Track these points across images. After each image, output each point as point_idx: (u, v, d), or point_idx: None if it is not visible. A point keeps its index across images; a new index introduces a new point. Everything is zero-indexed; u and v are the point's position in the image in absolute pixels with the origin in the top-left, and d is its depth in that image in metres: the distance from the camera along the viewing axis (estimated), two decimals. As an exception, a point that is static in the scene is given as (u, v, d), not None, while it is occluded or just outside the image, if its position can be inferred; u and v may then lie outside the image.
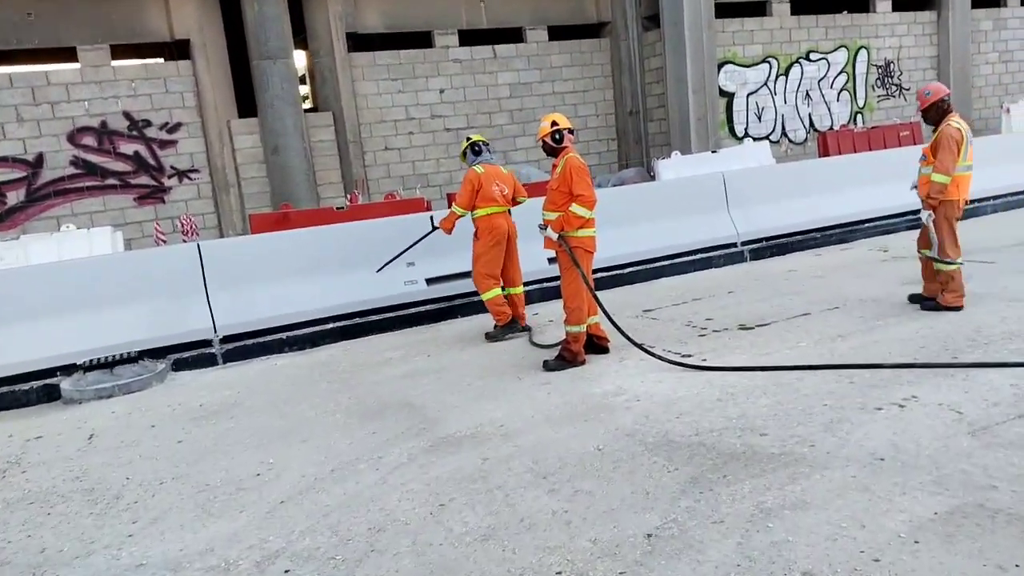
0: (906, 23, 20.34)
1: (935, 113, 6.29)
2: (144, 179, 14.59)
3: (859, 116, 19.83)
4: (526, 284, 8.20)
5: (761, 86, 18.76)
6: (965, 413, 4.16)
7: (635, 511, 3.50)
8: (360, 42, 16.45)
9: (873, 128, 15.98)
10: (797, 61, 19.08)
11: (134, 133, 14.45)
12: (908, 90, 20.25)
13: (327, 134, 15.78)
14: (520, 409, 5.07)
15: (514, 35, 17.83)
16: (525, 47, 17.80)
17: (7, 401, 6.53)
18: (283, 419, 5.48)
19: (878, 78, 20.15)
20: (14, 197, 13.78)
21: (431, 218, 7.74)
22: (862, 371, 4.98)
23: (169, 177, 14.79)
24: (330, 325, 7.75)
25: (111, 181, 14.33)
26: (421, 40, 17.00)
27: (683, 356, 5.80)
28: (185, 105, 14.82)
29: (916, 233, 6.69)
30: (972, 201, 10.77)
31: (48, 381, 6.73)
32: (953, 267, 6.21)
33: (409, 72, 16.73)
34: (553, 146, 5.97)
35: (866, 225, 10.39)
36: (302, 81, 17.00)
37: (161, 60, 15.20)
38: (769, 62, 18.80)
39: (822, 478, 3.61)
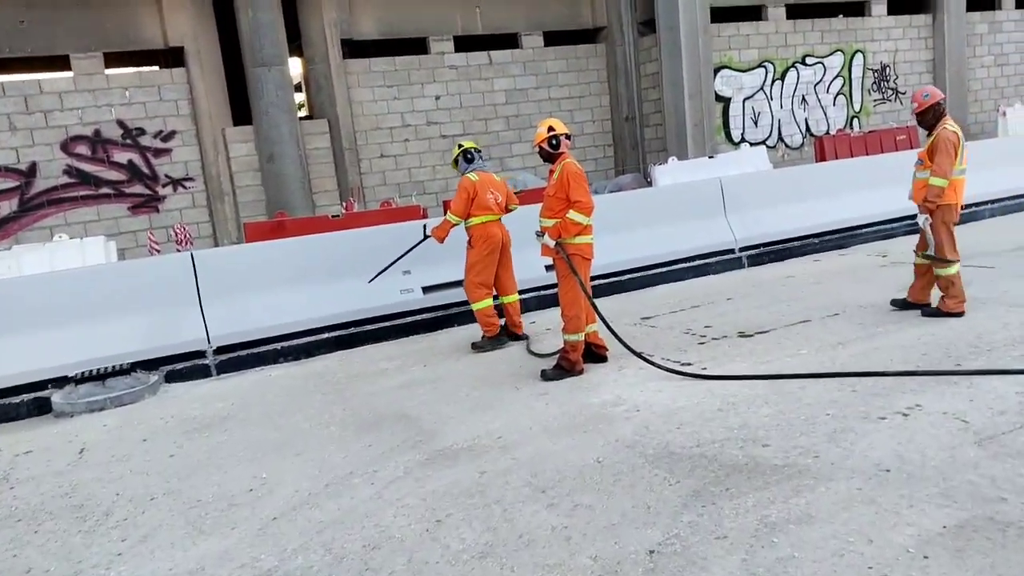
0: (901, 27, 20.35)
1: (931, 116, 6.25)
2: (138, 188, 14.49)
3: (855, 120, 19.82)
4: (523, 292, 8.13)
5: (757, 91, 18.73)
6: (971, 422, 4.09)
7: (636, 526, 3.42)
8: (355, 49, 16.40)
9: (870, 132, 15.94)
10: (793, 66, 19.06)
11: (128, 142, 14.36)
12: (904, 94, 20.24)
13: (322, 141, 15.71)
14: (518, 420, 4.99)
15: (510, 41, 17.79)
16: (521, 53, 17.76)
17: (-3, 414, 6.44)
18: (277, 432, 5.39)
19: (874, 82, 20.13)
20: (7, 207, 13.67)
21: (424, 226, 7.65)
22: (864, 379, 4.91)
23: (163, 186, 14.69)
24: (325, 335, 7.67)
25: (105, 190, 14.23)
26: (416, 46, 16.95)
27: (683, 364, 5.73)
28: (179, 113, 14.73)
29: (914, 238, 6.64)
30: (969, 205, 10.79)
31: (39, 394, 6.63)
32: (952, 271, 6.15)
33: (405, 79, 16.67)
34: (550, 152, 5.90)
35: (864, 230, 10.33)
36: (297, 88, 16.92)
37: (155, 68, 15.12)
38: (765, 67, 18.78)
39: (827, 490, 3.54)
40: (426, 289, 8.15)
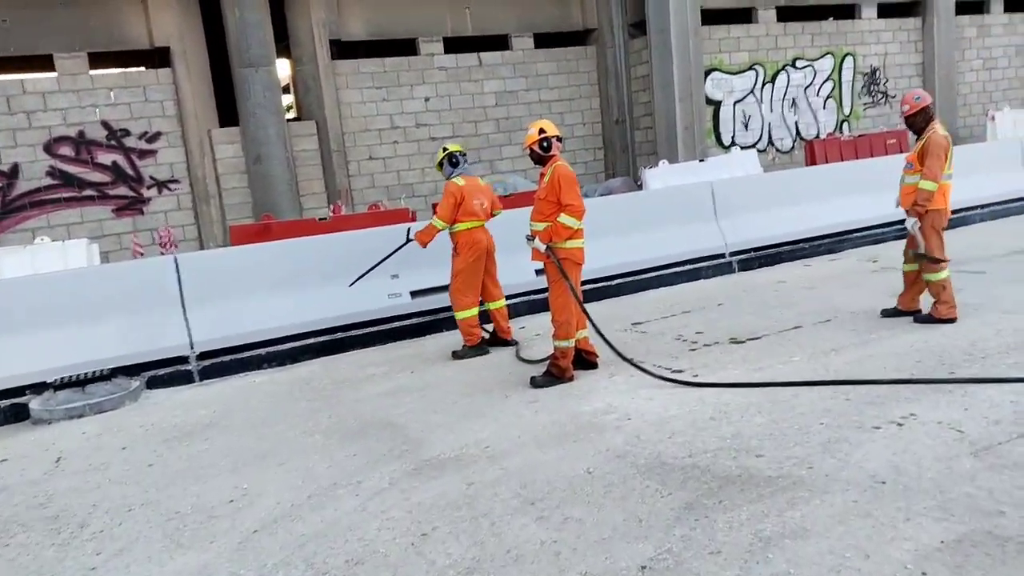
0: (891, 30, 20.39)
1: (921, 119, 6.22)
2: (122, 190, 14.30)
3: (845, 124, 19.83)
4: (512, 297, 8.06)
5: (748, 94, 18.71)
6: (966, 432, 4.02)
7: (628, 540, 3.33)
8: (344, 50, 16.27)
9: (860, 136, 15.94)
10: (783, 68, 19.06)
11: (112, 143, 14.17)
12: (894, 97, 20.26)
13: (310, 143, 15.56)
14: (507, 429, 4.89)
15: (500, 42, 17.70)
16: (511, 55, 17.68)
17: (-27, 422, 6.29)
18: (260, 440, 5.27)
19: (864, 85, 20.16)
20: (-12, 208, 13.49)
21: (408, 229, 7.52)
22: (858, 387, 4.84)
23: (148, 188, 14.51)
24: (311, 340, 7.55)
25: (88, 192, 14.03)
26: (406, 48, 16.83)
27: (674, 372, 5.65)
28: (165, 114, 14.56)
29: (904, 243, 6.57)
30: (959, 210, 10.78)
31: (16, 400, 6.50)
32: (942, 276, 6.10)
33: (394, 80, 16.55)
34: (541, 154, 5.81)
35: (855, 235, 10.29)
36: (285, 90, 16.78)
37: (140, 68, 14.94)
38: (755, 69, 18.76)
39: (822, 503, 3.46)
40: (414, 293, 8.04)
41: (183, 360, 7.16)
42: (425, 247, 7.04)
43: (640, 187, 13.78)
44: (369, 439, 5.01)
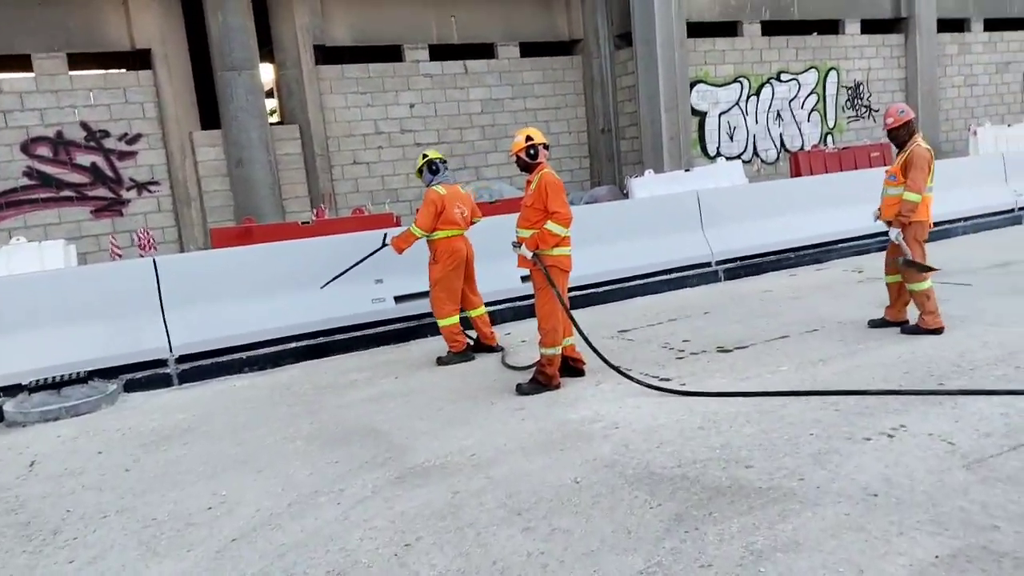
0: (875, 46, 20.60)
1: (905, 132, 6.25)
2: (101, 191, 14.10)
3: (829, 137, 19.99)
4: (498, 303, 8.02)
5: (733, 106, 18.82)
6: (957, 444, 3.99)
7: (616, 552, 3.25)
8: (328, 55, 16.18)
9: (844, 149, 16.07)
10: (768, 81, 19.19)
11: (91, 144, 13.98)
12: (877, 111, 20.47)
13: (293, 147, 15.43)
14: (493, 437, 4.81)
15: (485, 51, 17.68)
16: (497, 63, 17.66)
17: (-57, 425, 6.13)
18: (239, 446, 5.15)
19: (848, 99, 20.35)
20: (-36, 209, 13.25)
21: (384, 235, 7.42)
22: (847, 398, 4.80)
23: (128, 189, 14.31)
24: (292, 344, 7.43)
25: (66, 193, 13.82)
26: (391, 54, 16.77)
27: (662, 380, 5.59)
28: (145, 116, 14.38)
29: (885, 255, 6.57)
30: (942, 223, 10.83)
31: (-11, 403, 6.33)
32: (925, 286, 6.11)
33: (379, 86, 16.48)
34: (528, 162, 5.75)
35: (840, 245, 10.33)
36: (269, 94, 16.65)
37: (121, 70, 14.75)
38: (740, 82, 18.88)
39: (813, 516, 3.40)
40: (398, 299, 7.95)
41: (162, 363, 7.03)
42: (401, 253, 6.94)
43: (626, 196, 13.78)
44: (352, 446, 4.91)
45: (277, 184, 14.60)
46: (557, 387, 5.64)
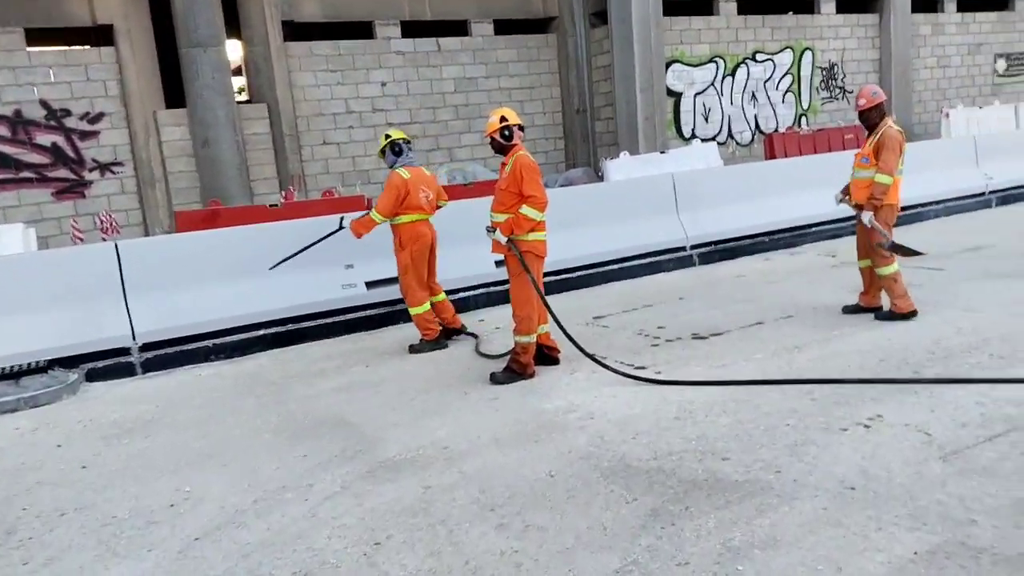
0: (849, 25, 20.60)
1: (876, 115, 6.21)
2: (63, 172, 13.68)
3: (803, 118, 20.01)
4: (472, 288, 7.91)
5: (708, 86, 18.74)
6: (934, 435, 3.96)
7: (592, 550, 3.18)
8: (297, 31, 15.80)
9: (819, 131, 16.09)
10: (744, 62, 19.13)
11: (52, 123, 13.53)
12: (851, 93, 20.49)
13: (261, 127, 15.08)
14: (466, 428, 4.71)
15: (459, 28, 17.39)
16: (470, 40, 17.39)
17: None
18: (204, 439, 5.00)
19: (822, 80, 20.36)
20: (-82, 190, 12.79)
21: (341, 218, 7.21)
22: (824, 387, 4.76)
23: (90, 170, 13.90)
24: (260, 332, 7.26)
25: (26, 174, 13.38)
26: (361, 31, 16.42)
27: (637, 368, 5.52)
28: (108, 94, 13.95)
29: (856, 239, 6.55)
30: (914, 206, 10.90)
31: (-58, 395, 6.10)
32: (892, 269, 6.11)
33: (349, 63, 16.15)
34: (502, 143, 5.60)
35: (814, 229, 10.31)
36: (237, 72, 16.24)
37: (82, 47, 14.27)
38: (716, 62, 18.79)
39: (791, 510, 3.35)
40: (370, 284, 7.78)
41: (124, 352, 6.83)
42: (360, 238, 6.76)
43: (601, 178, 13.68)
44: (321, 438, 4.78)
45: (245, 165, 14.27)
46: (532, 376, 5.55)
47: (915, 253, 6.16)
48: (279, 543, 3.51)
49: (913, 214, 10.92)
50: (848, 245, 9.36)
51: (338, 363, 6.54)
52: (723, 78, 18.91)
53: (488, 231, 5.61)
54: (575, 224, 8.80)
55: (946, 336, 5.58)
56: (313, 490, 4.04)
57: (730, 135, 19.11)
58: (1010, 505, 3.21)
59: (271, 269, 7.26)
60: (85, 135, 13.83)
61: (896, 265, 6.14)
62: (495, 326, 7.24)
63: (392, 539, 3.44)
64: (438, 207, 6.84)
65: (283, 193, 13.42)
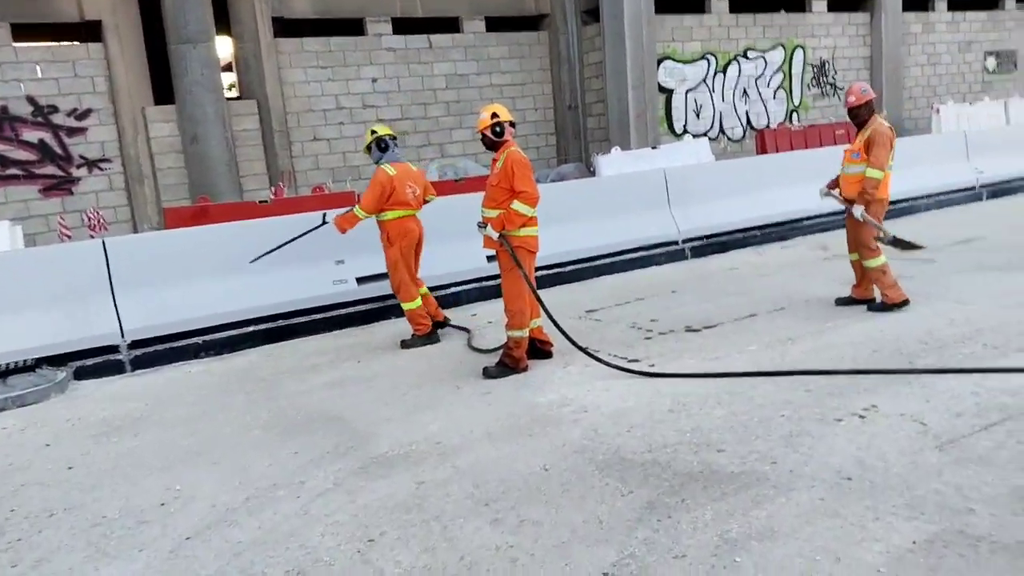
0: (840, 24, 20.64)
1: (865, 111, 6.23)
2: (50, 169, 13.56)
3: (795, 115, 20.04)
4: (463, 283, 7.91)
5: (700, 83, 18.74)
6: (929, 425, 3.95)
7: (588, 544, 3.15)
8: (287, 27, 15.71)
9: (810, 127, 16.11)
10: (735, 59, 19.13)
11: (39, 119, 13.41)
12: (842, 89, 20.53)
13: (251, 123, 14.99)
14: (459, 423, 4.67)
15: (450, 25, 17.33)
16: (462, 37, 17.32)
17: None
18: (194, 436, 4.95)
19: (813, 77, 20.39)
20: (-97, 187, 12.65)
21: (323, 214, 7.17)
22: (818, 378, 4.75)
23: (78, 167, 13.78)
24: (251, 328, 7.20)
25: (13, 171, 13.26)
26: (352, 27, 16.33)
27: (630, 361, 5.50)
28: (96, 90, 13.83)
29: (846, 233, 6.54)
30: (904, 200, 10.94)
31: (-72, 394, 6.02)
32: (880, 261, 6.12)
33: (340, 60, 16.06)
34: (493, 139, 5.56)
35: (805, 223, 10.33)
36: (227, 68, 16.14)
37: (70, 43, 14.14)
38: (708, 59, 18.79)
39: (787, 501, 3.33)
40: (360, 280, 7.74)
41: (113, 349, 6.76)
42: (344, 233, 6.71)
43: (593, 173, 13.66)
44: (313, 435, 4.74)
45: (234, 161, 14.18)
46: (524, 370, 5.52)
47: (916, 247, 6.16)
48: (271, 541, 3.47)
49: (904, 208, 10.95)
50: (839, 238, 9.37)
51: (329, 359, 6.49)
52: (714, 75, 18.92)
53: (480, 227, 5.57)
54: (567, 219, 8.78)
55: (939, 327, 5.57)
56: (305, 487, 3.99)
57: (721, 131, 19.12)
58: (1008, 493, 3.20)
59: (252, 262, 7.18)
60: (73, 131, 13.70)
61: (883, 257, 6.15)
62: (487, 320, 7.20)
63: (386, 535, 3.40)
64: (426, 202, 6.80)
65: (273, 189, 13.34)
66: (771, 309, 6.61)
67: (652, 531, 3.20)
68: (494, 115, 5.53)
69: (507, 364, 5.52)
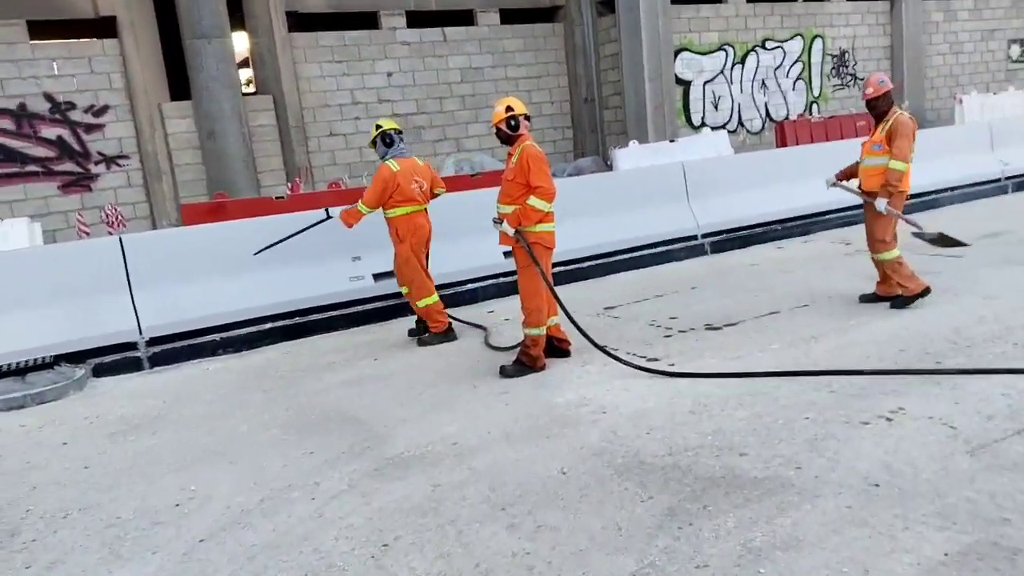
0: (860, 13, 20.32)
1: (884, 103, 6.09)
2: (68, 166, 13.62)
3: (814, 106, 19.77)
4: (480, 280, 7.83)
5: (717, 74, 18.52)
6: (959, 428, 3.83)
7: (607, 552, 3.07)
8: (302, 22, 15.66)
9: (830, 118, 15.88)
10: (753, 49, 18.89)
11: (57, 116, 13.46)
12: (862, 80, 20.21)
13: (267, 118, 14.98)
14: (476, 423, 4.61)
15: (465, 18, 17.22)
16: (476, 30, 17.22)
17: (-102, 415, 5.83)
18: (211, 435, 4.92)
19: (833, 67, 20.10)
20: (-76, 185, 12.75)
21: (326, 209, 7.12)
22: (842, 379, 4.64)
23: (96, 163, 13.84)
24: (268, 325, 7.19)
25: (32, 168, 13.33)
26: (367, 21, 16.27)
27: (649, 360, 5.41)
28: (112, 87, 13.86)
29: (864, 229, 6.40)
30: (928, 193, 10.75)
31: (-53, 392, 6.04)
32: (895, 254, 6.01)
33: (355, 54, 16.01)
34: (508, 133, 5.47)
35: (827, 217, 10.16)
36: (244, 64, 16.13)
37: (85, 39, 14.17)
38: (725, 50, 18.56)
39: (813, 508, 3.23)
40: (377, 276, 7.70)
41: (131, 346, 6.78)
42: (350, 228, 6.63)
43: (610, 167, 13.53)
44: (329, 434, 4.70)
45: (251, 157, 14.17)
46: (542, 368, 5.44)
47: (960, 244, 6.02)
48: (285, 545, 3.42)
49: (928, 201, 10.76)
50: (861, 233, 9.20)
51: (347, 356, 6.45)
52: (732, 66, 18.68)
53: (495, 223, 5.49)
54: (584, 214, 8.69)
55: (967, 325, 5.44)
56: (320, 489, 3.95)
57: (740, 123, 18.89)
58: (1042, 502, 3.09)
59: (255, 255, 7.13)
60: (90, 128, 13.76)
61: (897, 250, 6.03)
62: (504, 318, 7.14)
63: (400, 540, 3.35)
64: (434, 195, 6.71)
65: (289, 185, 13.32)
66: (793, 306, 6.50)
67: (673, 539, 3.12)
68: (508, 108, 5.44)
69: (524, 363, 5.45)
